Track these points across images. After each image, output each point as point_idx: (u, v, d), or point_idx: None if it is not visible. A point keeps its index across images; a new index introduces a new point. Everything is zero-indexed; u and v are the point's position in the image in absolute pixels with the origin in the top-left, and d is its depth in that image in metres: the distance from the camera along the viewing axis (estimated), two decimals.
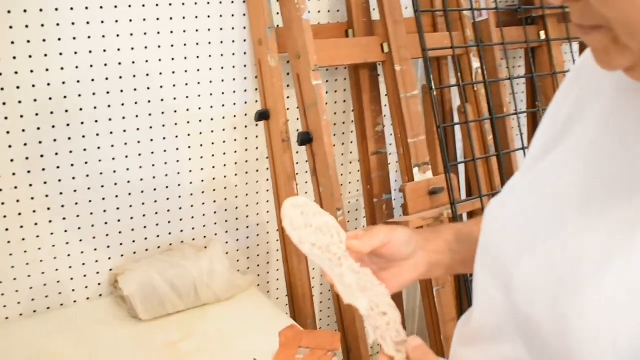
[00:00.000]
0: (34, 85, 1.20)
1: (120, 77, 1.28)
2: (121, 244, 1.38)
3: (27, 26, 1.16)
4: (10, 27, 1.15)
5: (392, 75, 1.43)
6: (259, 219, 1.54)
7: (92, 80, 1.25)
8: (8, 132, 1.19)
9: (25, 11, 1.16)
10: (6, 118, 1.18)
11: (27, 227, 1.26)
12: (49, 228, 1.28)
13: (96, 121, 1.27)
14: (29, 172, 1.23)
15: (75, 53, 1.22)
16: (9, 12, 1.14)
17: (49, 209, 1.27)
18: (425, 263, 0.81)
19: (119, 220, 1.36)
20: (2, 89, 1.17)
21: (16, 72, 1.17)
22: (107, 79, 1.27)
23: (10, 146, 1.20)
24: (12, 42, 1.16)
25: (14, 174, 1.22)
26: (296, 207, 0.73)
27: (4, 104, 1.18)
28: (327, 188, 1.29)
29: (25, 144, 1.21)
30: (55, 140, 1.24)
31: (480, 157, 1.52)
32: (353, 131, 1.60)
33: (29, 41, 1.17)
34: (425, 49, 1.37)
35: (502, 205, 0.66)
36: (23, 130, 1.21)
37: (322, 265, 0.72)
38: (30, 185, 1.24)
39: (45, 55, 1.19)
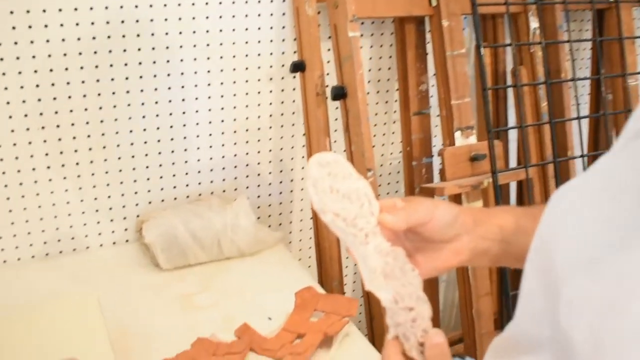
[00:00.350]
0: (62, 25, 1.17)
1: (152, 20, 1.24)
2: (149, 191, 1.36)
3: None
4: None
5: (438, 31, 1.34)
6: (293, 175, 1.49)
7: (122, 22, 1.21)
8: (36, 71, 1.17)
9: None
10: (34, 57, 1.17)
11: (54, 169, 1.25)
12: (76, 170, 1.27)
13: (126, 64, 1.24)
14: (56, 112, 1.21)
15: None
16: None
17: (76, 151, 1.25)
18: (469, 250, 0.71)
19: (147, 167, 1.34)
20: (31, 26, 1.15)
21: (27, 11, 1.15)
22: (137, 21, 1.23)
23: (37, 85, 1.18)
24: None
25: (41, 114, 1.20)
26: (323, 166, 0.63)
27: (32, 42, 1.16)
28: (359, 147, 1.22)
29: (52, 84, 1.19)
30: (83, 82, 1.22)
31: (529, 125, 1.41)
32: (398, 89, 1.52)
33: None
34: (475, 4, 1.27)
35: (568, 195, 0.52)
36: (51, 70, 1.18)
37: (345, 241, 0.63)
38: (58, 126, 1.22)
39: None
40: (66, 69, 1.19)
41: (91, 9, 1.18)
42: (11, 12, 1.13)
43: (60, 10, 1.16)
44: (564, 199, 0.52)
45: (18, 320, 1.02)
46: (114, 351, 0.97)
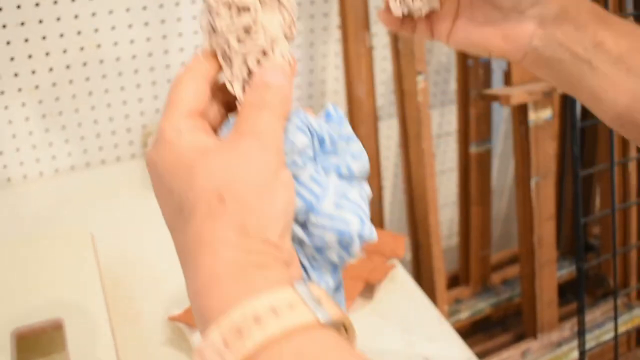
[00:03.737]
0: None
1: None
2: (156, 97, 1.15)
3: None
4: None
5: None
6: (324, 75, 1.27)
7: None
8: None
9: None
10: None
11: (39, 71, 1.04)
12: (66, 74, 1.06)
13: None
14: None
15: None
16: None
17: (65, 51, 1.04)
18: (528, 44, 0.47)
19: (151, 69, 1.12)
20: None
21: None
22: None
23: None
24: None
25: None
26: None
27: None
28: (407, 43, 0.99)
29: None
30: None
31: None
32: None
33: None
34: None
35: None
36: None
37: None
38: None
39: None
40: None
41: None
42: None
43: None
44: None
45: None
46: (112, 301, 0.80)
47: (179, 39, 1.12)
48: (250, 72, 0.39)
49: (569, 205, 1.44)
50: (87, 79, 1.08)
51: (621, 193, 1.28)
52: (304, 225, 0.39)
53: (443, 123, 1.44)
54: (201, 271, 0.35)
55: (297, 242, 0.39)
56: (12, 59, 1.02)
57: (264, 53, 0.39)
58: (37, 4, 0.99)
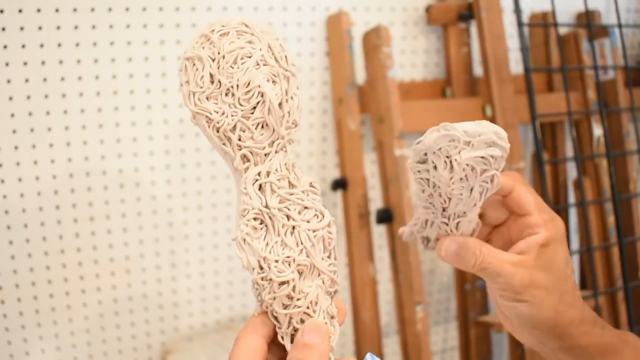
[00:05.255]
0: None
1: (182, 136, 1.16)
2: (175, 317, 1.24)
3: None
4: None
5: None
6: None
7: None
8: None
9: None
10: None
11: (73, 294, 1.15)
12: (96, 295, 1.17)
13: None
14: (77, 235, 1.12)
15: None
16: None
17: (97, 276, 1.15)
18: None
19: (174, 291, 1.23)
20: None
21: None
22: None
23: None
24: None
25: (60, 237, 1.11)
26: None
27: None
28: (406, 277, 1.09)
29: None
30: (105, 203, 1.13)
31: (599, 247, 1.27)
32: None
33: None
34: (536, 117, 1.15)
35: None
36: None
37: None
38: (79, 250, 1.13)
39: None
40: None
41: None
42: None
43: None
44: None
45: None
46: None
47: (193, 266, 1.24)
48: (296, 330, 0.45)
49: None
50: (115, 300, 1.18)
51: None
52: None
53: (448, 338, 1.50)
54: None
55: None
56: (53, 309, 1.13)
57: (307, 314, 0.45)
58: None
